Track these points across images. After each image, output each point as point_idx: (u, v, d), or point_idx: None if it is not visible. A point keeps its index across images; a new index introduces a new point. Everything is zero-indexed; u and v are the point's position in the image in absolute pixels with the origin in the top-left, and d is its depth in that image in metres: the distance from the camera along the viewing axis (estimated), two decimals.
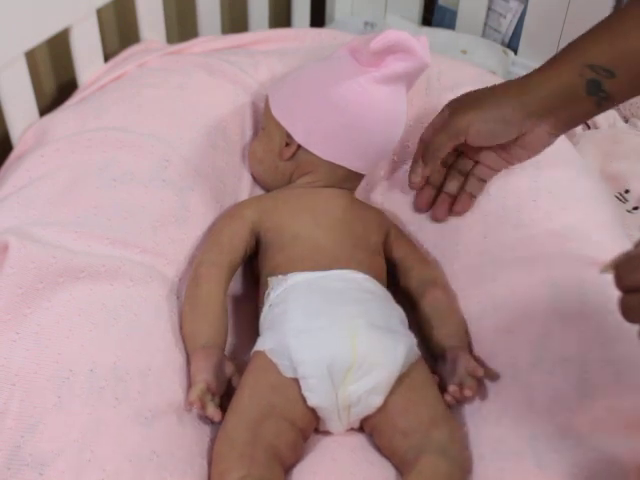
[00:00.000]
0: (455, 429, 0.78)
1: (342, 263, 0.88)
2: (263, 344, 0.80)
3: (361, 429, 0.82)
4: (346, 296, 0.83)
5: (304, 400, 0.77)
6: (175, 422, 0.75)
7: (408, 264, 0.95)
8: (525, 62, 1.43)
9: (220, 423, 0.77)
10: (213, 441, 0.76)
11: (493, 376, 0.83)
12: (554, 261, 0.88)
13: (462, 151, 0.95)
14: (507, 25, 1.46)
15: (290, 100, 0.96)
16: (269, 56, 1.12)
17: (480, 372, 0.81)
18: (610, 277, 0.55)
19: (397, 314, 0.85)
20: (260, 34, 1.20)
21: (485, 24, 1.49)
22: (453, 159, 0.97)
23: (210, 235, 0.92)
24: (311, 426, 0.79)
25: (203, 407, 0.76)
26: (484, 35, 1.50)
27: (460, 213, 0.97)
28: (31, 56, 0.99)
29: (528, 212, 0.94)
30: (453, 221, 0.99)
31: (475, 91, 0.90)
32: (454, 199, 0.97)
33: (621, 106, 1.31)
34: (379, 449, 0.80)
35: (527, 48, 1.43)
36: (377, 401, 0.78)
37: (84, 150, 0.90)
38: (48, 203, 0.84)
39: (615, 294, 0.55)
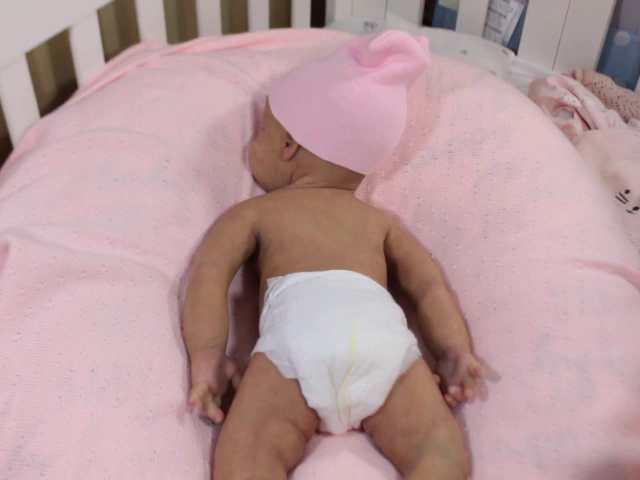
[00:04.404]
0: (455, 429, 0.78)
1: (342, 263, 0.88)
2: (263, 345, 0.80)
3: (362, 430, 0.82)
4: (345, 296, 0.83)
5: (305, 401, 0.77)
6: (176, 422, 0.75)
7: (408, 264, 0.95)
8: (525, 62, 1.43)
9: (221, 424, 0.77)
10: (214, 441, 0.77)
11: (493, 376, 0.83)
12: (554, 261, 0.89)
13: None
14: (507, 25, 1.46)
15: (290, 100, 0.96)
16: (269, 56, 1.12)
17: (482, 373, 0.81)
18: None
19: (396, 314, 0.85)
20: (260, 34, 1.20)
21: (485, 24, 1.49)
22: None
23: (210, 235, 0.92)
24: (312, 427, 0.80)
25: (204, 408, 0.76)
26: (484, 35, 1.50)
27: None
28: (31, 56, 1.00)
29: (528, 212, 0.94)
30: (453, 222, 0.99)
31: None
32: None
33: (621, 106, 1.31)
34: (380, 449, 0.80)
35: (527, 48, 1.43)
36: (377, 401, 0.78)
37: (85, 150, 0.90)
38: (49, 203, 0.84)
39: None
